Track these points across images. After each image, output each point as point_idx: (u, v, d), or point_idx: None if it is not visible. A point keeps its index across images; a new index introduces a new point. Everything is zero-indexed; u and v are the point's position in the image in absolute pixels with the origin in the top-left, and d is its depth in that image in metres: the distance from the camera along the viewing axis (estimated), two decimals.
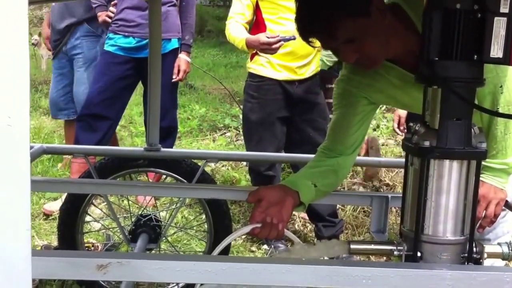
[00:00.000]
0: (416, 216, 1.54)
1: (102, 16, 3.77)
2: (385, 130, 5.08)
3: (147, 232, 2.44)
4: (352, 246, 1.64)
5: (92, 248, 2.84)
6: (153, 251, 2.43)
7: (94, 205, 2.69)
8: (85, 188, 2.24)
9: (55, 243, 3.00)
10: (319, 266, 1.19)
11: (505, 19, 1.39)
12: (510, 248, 1.63)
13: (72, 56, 4.07)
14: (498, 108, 1.82)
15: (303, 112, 3.31)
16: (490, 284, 1.19)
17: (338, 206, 3.67)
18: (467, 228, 1.54)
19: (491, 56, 1.42)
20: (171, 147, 4.00)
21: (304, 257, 1.59)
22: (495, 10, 1.39)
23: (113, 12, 3.72)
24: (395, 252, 1.58)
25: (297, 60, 3.23)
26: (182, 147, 5.29)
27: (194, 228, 2.92)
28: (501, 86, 1.80)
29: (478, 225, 1.89)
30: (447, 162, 1.50)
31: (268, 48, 3.02)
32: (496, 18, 1.40)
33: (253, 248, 3.36)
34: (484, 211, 1.90)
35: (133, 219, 2.52)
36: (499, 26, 1.40)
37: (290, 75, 3.25)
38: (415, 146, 1.53)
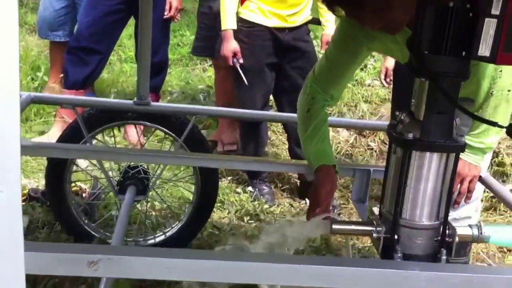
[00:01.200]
0: (396, 200, 1.61)
1: None
2: (372, 70, 5.08)
3: (135, 184, 2.50)
4: (334, 226, 1.71)
5: (80, 191, 2.90)
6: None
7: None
8: (72, 153, 2.28)
9: (42, 181, 3.04)
10: (293, 265, 1.24)
11: (495, 20, 1.41)
12: (480, 231, 1.72)
13: None
14: (492, 91, 1.88)
15: (293, 59, 3.32)
16: (460, 285, 1.28)
17: None
18: (441, 214, 1.62)
19: (478, 54, 1.45)
20: (162, 82, 4.01)
21: (289, 236, 1.66)
22: (487, 11, 1.41)
23: None
24: (374, 234, 1.66)
25: (288, 8, 3.21)
26: (172, 76, 5.27)
27: (182, 180, 2.97)
28: (500, 71, 1.87)
29: (453, 200, 1.99)
30: (428, 154, 1.56)
31: None
32: (486, 19, 1.41)
33: (239, 190, 3.45)
34: (459, 187, 1.98)
35: (121, 170, 2.56)
36: (489, 26, 1.42)
37: (281, 22, 3.24)
38: (400, 136, 1.58)
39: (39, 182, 3.16)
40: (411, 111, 1.61)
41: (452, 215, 2.30)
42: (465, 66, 1.51)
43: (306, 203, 3.31)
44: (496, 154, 3.74)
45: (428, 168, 1.57)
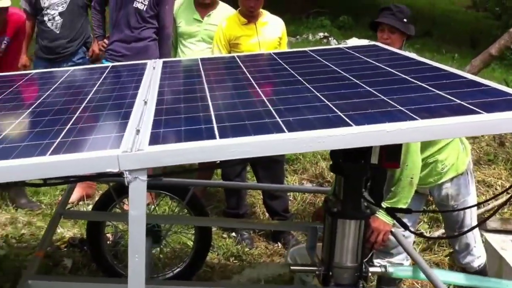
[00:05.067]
0: (329, 250, 2.56)
1: (96, 45, 4.62)
2: None
3: (151, 235, 3.42)
4: (292, 267, 2.67)
5: (108, 239, 3.80)
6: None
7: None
8: (103, 217, 3.25)
9: (77, 231, 3.92)
10: None
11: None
12: (385, 269, 2.70)
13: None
14: (401, 177, 2.94)
15: None
16: None
17: (289, 199, 4.70)
18: (359, 258, 2.58)
19: (371, 162, 2.42)
20: None
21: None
22: None
23: (106, 44, 4.55)
24: (317, 272, 2.61)
25: None
26: None
27: (187, 231, 3.91)
28: (407, 165, 2.93)
29: (374, 247, 2.98)
30: (347, 220, 2.52)
31: None
32: None
33: (225, 235, 4.36)
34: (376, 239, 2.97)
35: None
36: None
37: None
38: (329, 209, 2.54)
39: (76, 232, 4.06)
40: (335, 193, 2.59)
41: (390, 261, 3.29)
42: (364, 170, 2.48)
43: (278, 245, 4.24)
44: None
45: (348, 229, 2.53)
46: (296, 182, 5.17)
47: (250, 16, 4.10)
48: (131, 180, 1.55)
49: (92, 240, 3.52)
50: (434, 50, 11.93)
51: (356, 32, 12.47)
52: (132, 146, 1.60)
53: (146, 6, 4.30)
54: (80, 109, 2.12)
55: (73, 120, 1.96)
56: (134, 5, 4.30)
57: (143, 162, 1.56)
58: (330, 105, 1.96)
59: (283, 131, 1.70)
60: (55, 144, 1.68)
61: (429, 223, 4.54)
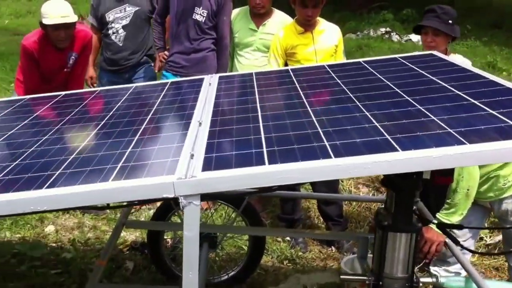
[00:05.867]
0: (380, 262, 2.62)
1: (159, 55, 4.80)
2: None
3: (207, 241, 3.56)
4: (341, 277, 2.74)
5: (168, 243, 3.97)
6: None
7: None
8: (163, 227, 3.40)
9: (138, 235, 4.11)
10: None
11: None
12: (437, 280, 2.73)
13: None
14: (457, 190, 2.99)
15: None
16: None
17: (344, 204, 4.75)
18: (410, 269, 2.62)
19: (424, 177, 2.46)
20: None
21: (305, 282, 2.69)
22: None
23: (166, 55, 4.72)
24: (367, 282, 2.67)
25: None
26: None
27: (241, 237, 4.03)
28: (462, 176, 2.96)
29: (427, 257, 3.01)
30: (397, 233, 2.57)
31: None
32: None
33: (279, 239, 4.46)
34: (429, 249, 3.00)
35: None
36: None
37: None
38: (380, 223, 2.60)
39: (138, 236, 4.26)
40: (386, 207, 2.64)
41: (447, 269, 3.31)
42: (416, 185, 2.52)
43: (332, 249, 4.31)
44: None
45: (399, 242, 2.58)
46: (351, 186, 5.21)
47: (307, 25, 4.17)
48: (186, 205, 1.67)
49: (152, 244, 3.69)
50: (502, 43, 11.54)
51: None
52: (186, 173, 1.72)
53: (204, 18, 4.44)
54: (140, 131, 2.26)
55: (133, 143, 2.10)
56: (193, 17, 4.44)
57: (196, 188, 1.67)
58: (379, 127, 2.02)
59: (329, 157, 1.77)
60: (117, 169, 1.82)
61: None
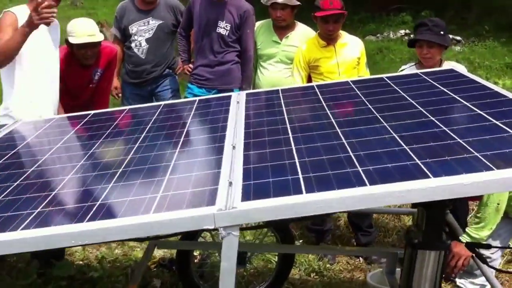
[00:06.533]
0: (408, 278, 2.65)
1: (184, 68, 4.85)
2: None
3: (237, 257, 3.61)
4: None
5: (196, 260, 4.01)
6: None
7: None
8: (194, 246, 3.46)
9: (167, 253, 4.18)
10: None
11: None
12: None
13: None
14: (487, 204, 3.03)
15: None
16: None
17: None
18: (437, 285, 2.65)
19: None
20: None
21: None
22: None
23: (191, 68, 4.78)
24: None
25: None
26: None
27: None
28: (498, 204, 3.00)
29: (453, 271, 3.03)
30: (427, 251, 2.60)
31: None
32: None
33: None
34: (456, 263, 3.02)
35: None
36: None
37: None
38: (410, 240, 2.63)
39: (165, 252, 4.30)
40: (417, 224, 2.67)
41: (473, 282, 3.34)
42: (446, 203, 2.55)
43: (360, 260, 4.33)
44: None
45: (427, 259, 2.61)
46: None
47: (329, 39, 4.21)
48: (225, 236, 1.72)
49: (181, 260, 3.73)
50: None
51: None
52: (226, 204, 1.77)
53: (228, 31, 4.49)
54: (175, 156, 2.32)
55: (170, 170, 2.16)
56: (217, 31, 4.50)
57: (236, 219, 1.73)
58: (408, 150, 2.06)
59: (364, 184, 1.81)
60: (157, 199, 1.87)
61: None
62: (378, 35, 12.26)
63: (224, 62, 4.59)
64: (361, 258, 4.33)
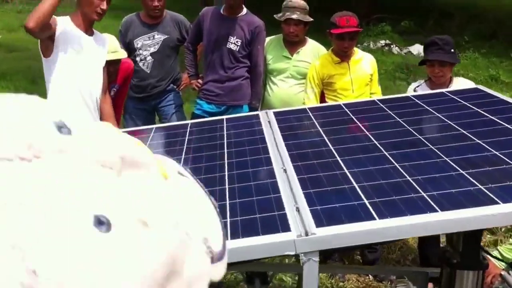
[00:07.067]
0: None
1: (192, 83, 4.83)
2: None
3: (259, 278, 3.59)
4: None
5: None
6: None
7: None
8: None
9: None
10: None
11: None
12: None
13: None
14: None
15: None
16: None
17: None
18: None
19: None
20: None
21: None
22: None
23: (200, 83, 4.75)
24: None
25: None
26: None
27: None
28: None
29: None
30: (465, 271, 2.63)
31: None
32: None
33: None
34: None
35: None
36: None
37: None
38: (448, 260, 2.66)
39: None
40: (452, 244, 2.70)
41: None
42: None
43: (369, 277, 4.35)
44: None
45: (466, 280, 2.64)
46: None
47: (343, 56, 4.24)
48: (306, 261, 1.72)
49: None
50: (501, 54, 11.67)
51: (418, 37, 12.37)
52: (303, 230, 1.77)
53: (238, 47, 4.49)
54: (226, 180, 2.30)
55: (228, 193, 2.15)
56: (227, 46, 4.50)
57: (316, 245, 1.73)
58: (466, 175, 2.09)
59: (435, 210, 1.83)
60: (228, 225, 1.86)
61: None
62: (358, 45, 12.38)
63: (234, 77, 4.58)
64: (370, 276, 4.35)
